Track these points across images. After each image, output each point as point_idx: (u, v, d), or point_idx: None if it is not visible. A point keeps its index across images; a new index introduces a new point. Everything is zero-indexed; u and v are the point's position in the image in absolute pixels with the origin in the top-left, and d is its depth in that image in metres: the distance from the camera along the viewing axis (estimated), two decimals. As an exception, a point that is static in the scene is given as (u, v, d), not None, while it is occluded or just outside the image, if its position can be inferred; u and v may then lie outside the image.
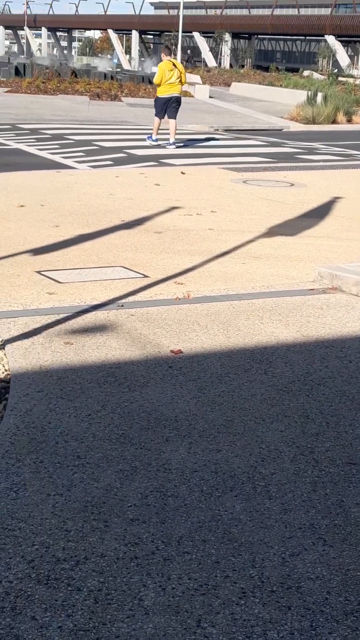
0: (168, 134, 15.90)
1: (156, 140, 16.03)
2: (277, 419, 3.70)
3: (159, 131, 16.04)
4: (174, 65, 15.67)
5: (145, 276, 6.07)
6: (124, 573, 2.54)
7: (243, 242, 7.39)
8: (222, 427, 3.59)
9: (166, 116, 15.75)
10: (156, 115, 15.94)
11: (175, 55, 40.17)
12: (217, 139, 18.48)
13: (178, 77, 15.58)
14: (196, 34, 68.91)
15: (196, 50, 71.64)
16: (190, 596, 2.45)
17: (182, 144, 16.54)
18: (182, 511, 2.90)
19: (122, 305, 5.29)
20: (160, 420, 3.62)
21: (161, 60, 16.22)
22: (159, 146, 15.83)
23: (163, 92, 15.73)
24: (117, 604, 2.40)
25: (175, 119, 15.84)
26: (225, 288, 5.84)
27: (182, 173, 11.97)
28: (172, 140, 15.81)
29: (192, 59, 61.14)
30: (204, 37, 68.93)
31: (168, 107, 15.73)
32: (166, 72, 15.52)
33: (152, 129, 16.21)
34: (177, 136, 16.38)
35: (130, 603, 2.40)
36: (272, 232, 7.96)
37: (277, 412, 3.78)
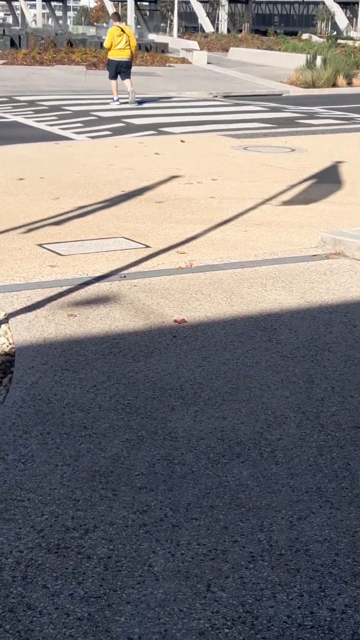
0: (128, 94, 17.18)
1: (118, 99, 17.19)
2: (282, 385, 3.71)
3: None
4: (122, 30, 16.79)
5: (147, 246, 6.06)
6: (133, 540, 2.56)
7: (245, 210, 7.36)
8: (228, 394, 3.60)
9: (122, 79, 17.04)
10: (110, 78, 17.23)
11: (173, 22, 39.62)
12: (216, 105, 18.32)
13: (127, 42, 16.76)
14: (193, 0, 68.01)
15: (193, 16, 70.76)
16: (200, 561, 2.47)
17: (139, 99, 17.73)
18: (190, 478, 2.92)
19: (125, 276, 5.28)
20: (165, 389, 3.63)
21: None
22: (120, 105, 17.04)
23: (113, 56, 17.04)
24: (127, 570, 2.42)
25: (129, 78, 17.12)
26: (228, 256, 5.83)
27: (182, 141, 11.88)
28: (133, 96, 17.16)
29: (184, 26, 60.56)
30: (200, 2, 68.03)
31: (120, 70, 17.00)
32: (115, 38, 16.73)
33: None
34: (175, 102, 16.46)
35: (140, 569, 2.43)
36: (273, 198, 7.92)
37: (282, 378, 3.79)
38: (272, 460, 3.06)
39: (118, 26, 17.04)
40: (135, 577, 2.40)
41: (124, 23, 18.42)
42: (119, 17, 18.02)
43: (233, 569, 2.44)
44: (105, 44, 17.39)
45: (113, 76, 17.12)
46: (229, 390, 3.64)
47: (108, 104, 17.45)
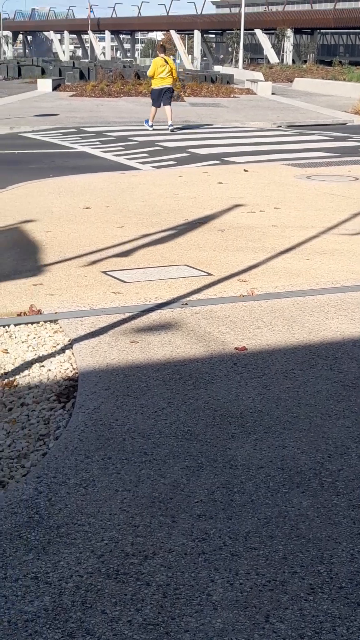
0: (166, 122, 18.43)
1: (152, 125, 18.83)
2: (344, 415, 3.67)
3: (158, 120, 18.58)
4: (165, 61, 18.29)
5: (209, 274, 6.08)
6: (192, 568, 2.56)
7: (307, 238, 7.34)
8: (288, 423, 3.57)
9: (162, 104, 18.30)
10: (153, 105, 18.66)
11: (238, 54, 39.76)
12: (280, 135, 18.37)
13: (169, 72, 18.29)
14: (258, 31, 68.59)
15: (258, 48, 71.33)
16: (259, 592, 2.45)
17: (180, 127, 19.25)
18: (249, 507, 2.90)
19: (187, 304, 5.31)
20: (225, 416, 3.62)
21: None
22: (156, 130, 18.54)
23: (156, 84, 18.37)
24: (185, 598, 2.42)
25: (170, 105, 18.35)
26: (290, 284, 5.81)
27: (245, 170, 11.94)
28: (170, 123, 18.35)
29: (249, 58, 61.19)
30: (265, 33, 68.55)
31: (163, 96, 18.29)
32: (158, 67, 18.23)
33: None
34: (241, 132, 16.72)
35: (199, 598, 2.42)
36: (336, 227, 7.88)
37: (343, 408, 3.74)
38: (333, 491, 3.02)
39: (162, 57, 18.37)
40: (193, 606, 2.38)
41: (169, 55, 20.01)
42: (164, 49, 19.44)
43: (292, 601, 2.41)
44: (149, 72, 18.75)
45: (156, 102, 18.43)
46: (290, 419, 3.61)
47: (178, 134, 17.79)
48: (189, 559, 2.60)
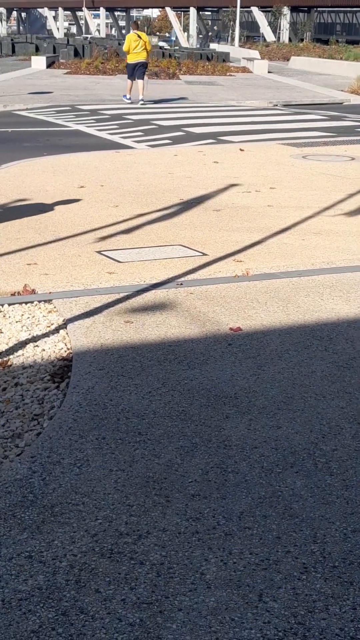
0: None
1: (129, 98, 19.82)
2: (338, 395, 3.68)
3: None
4: (138, 36, 19.52)
5: (204, 254, 6.07)
6: (186, 547, 2.57)
7: (303, 218, 7.32)
8: (282, 403, 3.58)
9: (136, 78, 19.65)
10: (128, 78, 20.01)
11: (235, 31, 39.59)
12: (276, 114, 18.28)
13: (142, 47, 19.44)
14: (254, 9, 67.98)
15: (255, 25, 70.74)
16: (252, 571, 2.46)
17: (151, 102, 20.06)
18: (243, 487, 2.91)
19: (181, 284, 5.30)
20: (220, 397, 3.63)
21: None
22: (131, 104, 19.56)
23: (131, 59, 19.68)
24: (179, 577, 2.43)
25: (143, 79, 19.73)
26: (285, 265, 5.80)
27: (241, 150, 11.89)
28: (140, 97, 19.58)
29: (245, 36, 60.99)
30: (262, 11, 67.96)
31: (136, 70, 19.64)
32: (132, 42, 19.48)
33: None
34: (237, 111, 16.99)
35: (192, 577, 2.43)
36: (332, 207, 7.86)
37: (337, 388, 3.75)
38: (327, 471, 3.03)
39: (135, 33, 19.67)
40: (187, 585, 2.40)
41: (141, 30, 21.46)
42: (137, 25, 21.09)
43: (285, 580, 2.42)
44: (124, 48, 20.12)
45: (130, 76, 19.79)
46: (284, 400, 3.62)
47: (173, 112, 17.68)
48: (183, 538, 2.61)
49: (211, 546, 2.58)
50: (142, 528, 2.66)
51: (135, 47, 19.47)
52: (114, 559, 2.50)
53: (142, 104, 19.36)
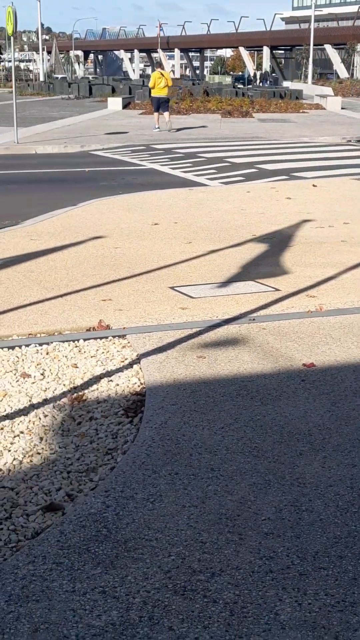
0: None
1: (158, 127, 22.63)
2: None
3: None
4: (161, 74, 22.66)
5: (277, 289, 6.05)
6: (260, 587, 2.53)
7: (378, 254, 7.23)
8: (357, 441, 3.51)
9: (160, 110, 22.74)
10: (155, 111, 23.07)
11: (308, 69, 39.63)
12: (349, 150, 18.21)
13: (165, 84, 22.48)
14: (327, 46, 68.25)
15: (328, 63, 70.94)
16: (327, 612, 2.41)
17: (175, 130, 22.71)
18: (317, 526, 2.86)
19: (254, 319, 5.29)
20: (293, 433, 3.59)
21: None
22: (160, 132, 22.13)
23: (155, 94, 22.77)
24: (253, 617, 2.39)
25: (167, 111, 22.89)
26: (359, 300, 5.73)
27: (314, 185, 11.86)
28: (169, 127, 22.61)
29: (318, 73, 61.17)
30: (335, 49, 68.15)
31: (160, 104, 22.70)
32: (156, 80, 22.54)
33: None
34: (310, 148, 17.29)
35: (267, 617, 2.39)
36: None
37: None
38: None
39: (159, 71, 22.84)
40: (261, 625, 2.36)
41: (163, 69, 24.43)
42: (162, 65, 25.22)
43: (362, 623, 2.36)
44: (149, 84, 23.28)
45: (156, 109, 22.82)
46: (359, 437, 3.55)
47: (246, 149, 17.81)
48: (257, 577, 2.57)
49: (285, 586, 2.53)
50: (215, 566, 2.64)
51: (159, 83, 22.38)
52: (187, 597, 2.48)
53: (173, 131, 22.33)
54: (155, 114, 22.97)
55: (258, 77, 63.24)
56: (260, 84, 57.98)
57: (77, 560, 2.67)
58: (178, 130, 22.83)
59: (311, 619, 2.38)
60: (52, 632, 2.32)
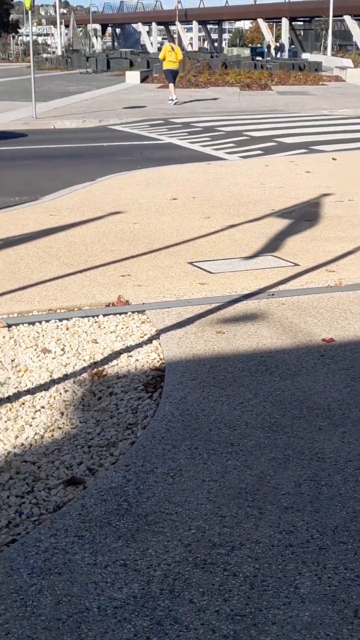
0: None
1: (173, 99, 22.98)
2: None
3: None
4: (172, 48, 23.26)
5: (296, 264, 6.02)
6: (279, 560, 2.55)
7: None
8: (378, 416, 3.51)
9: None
10: (168, 82, 23.58)
11: (327, 41, 39.14)
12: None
13: (175, 57, 23.20)
14: (347, 17, 67.21)
15: (347, 34, 69.97)
16: (347, 586, 2.42)
17: (180, 102, 23.23)
18: (337, 500, 2.87)
19: (273, 294, 5.28)
20: (312, 408, 3.59)
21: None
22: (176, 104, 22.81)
23: (166, 66, 23.55)
24: (272, 590, 2.41)
25: (174, 83, 23.39)
26: (380, 275, 5.69)
27: (334, 159, 11.76)
28: (170, 98, 23.16)
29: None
30: (355, 19, 67.12)
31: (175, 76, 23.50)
32: (167, 53, 23.25)
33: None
34: (329, 120, 17.19)
35: (286, 590, 2.41)
36: None
37: None
38: None
39: (170, 45, 23.61)
40: (281, 598, 2.38)
41: (174, 43, 26.12)
42: (173, 39, 26.70)
43: (381, 597, 2.37)
44: (160, 56, 24.37)
45: (170, 80, 23.35)
46: (380, 413, 3.54)
47: (265, 123, 17.65)
48: (276, 551, 2.59)
49: (305, 560, 2.55)
50: (235, 539, 2.66)
51: (169, 57, 23.19)
52: (208, 570, 2.51)
53: (174, 104, 22.67)
54: (170, 85, 23.32)
55: (273, 49, 62.52)
56: (277, 56, 57.34)
57: (98, 533, 2.70)
58: (192, 101, 23.40)
59: (331, 593, 2.39)
60: (74, 605, 2.35)
